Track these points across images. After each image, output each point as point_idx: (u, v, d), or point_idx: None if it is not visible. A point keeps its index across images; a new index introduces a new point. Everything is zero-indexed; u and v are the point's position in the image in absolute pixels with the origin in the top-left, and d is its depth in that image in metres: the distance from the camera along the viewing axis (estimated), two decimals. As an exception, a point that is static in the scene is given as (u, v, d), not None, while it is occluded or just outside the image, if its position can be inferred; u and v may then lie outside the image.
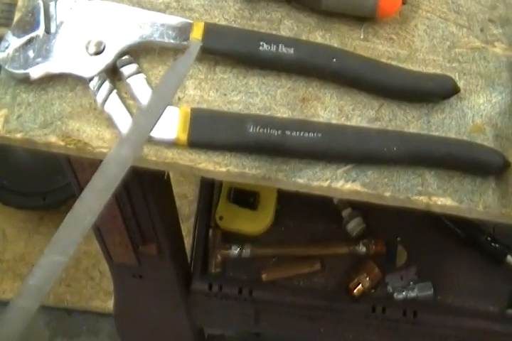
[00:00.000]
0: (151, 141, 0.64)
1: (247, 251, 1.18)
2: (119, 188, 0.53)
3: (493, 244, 1.17)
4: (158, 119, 0.55)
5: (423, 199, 0.65)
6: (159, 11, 0.69)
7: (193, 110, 0.66)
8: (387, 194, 0.65)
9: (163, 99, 0.55)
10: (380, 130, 0.66)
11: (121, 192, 0.85)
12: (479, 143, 0.66)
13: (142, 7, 0.69)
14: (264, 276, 1.18)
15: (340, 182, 0.65)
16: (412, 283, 1.17)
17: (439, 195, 0.65)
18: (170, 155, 0.65)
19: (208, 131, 0.65)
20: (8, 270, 1.57)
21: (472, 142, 0.66)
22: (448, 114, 0.68)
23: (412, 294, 1.17)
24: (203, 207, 1.22)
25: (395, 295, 1.17)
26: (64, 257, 0.49)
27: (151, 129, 0.55)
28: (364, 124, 0.67)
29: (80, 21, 0.67)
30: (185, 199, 1.55)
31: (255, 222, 1.20)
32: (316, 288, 1.19)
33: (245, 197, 1.20)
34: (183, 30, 0.67)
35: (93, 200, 0.51)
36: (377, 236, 1.19)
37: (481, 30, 0.70)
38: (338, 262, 1.19)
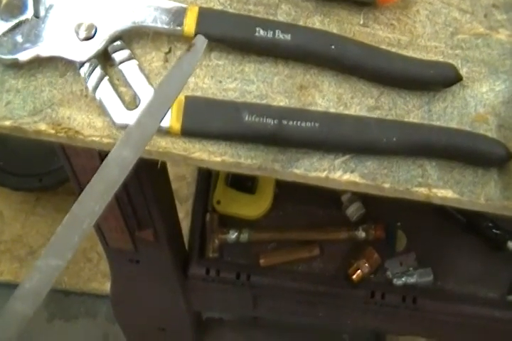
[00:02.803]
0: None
1: (244, 236, 1.17)
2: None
3: (494, 229, 1.16)
4: (162, 120, 0.53)
5: (423, 190, 0.63)
6: (152, -6, 0.66)
7: (187, 98, 0.64)
8: (387, 185, 0.63)
9: (166, 98, 0.53)
10: (379, 119, 0.64)
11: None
12: (482, 133, 0.64)
13: (135, -10, 0.66)
14: (262, 261, 1.16)
15: (338, 173, 0.64)
16: (411, 268, 1.16)
17: (439, 187, 0.63)
18: (163, 144, 0.63)
19: (202, 119, 0.63)
20: (5, 251, 1.57)
21: (474, 132, 0.64)
22: (450, 102, 0.65)
23: (412, 280, 1.15)
24: (200, 191, 1.21)
25: (395, 280, 1.16)
26: (62, 261, 0.48)
27: (154, 130, 0.53)
28: (363, 113, 0.65)
29: (70, 5, 0.64)
30: (184, 181, 1.54)
31: (253, 207, 1.19)
32: (315, 273, 1.18)
33: (243, 181, 1.19)
34: (177, 15, 0.64)
35: (92, 203, 0.49)
36: (377, 222, 1.18)
37: (485, 15, 0.68)
38: (337, 247, 1.18)
